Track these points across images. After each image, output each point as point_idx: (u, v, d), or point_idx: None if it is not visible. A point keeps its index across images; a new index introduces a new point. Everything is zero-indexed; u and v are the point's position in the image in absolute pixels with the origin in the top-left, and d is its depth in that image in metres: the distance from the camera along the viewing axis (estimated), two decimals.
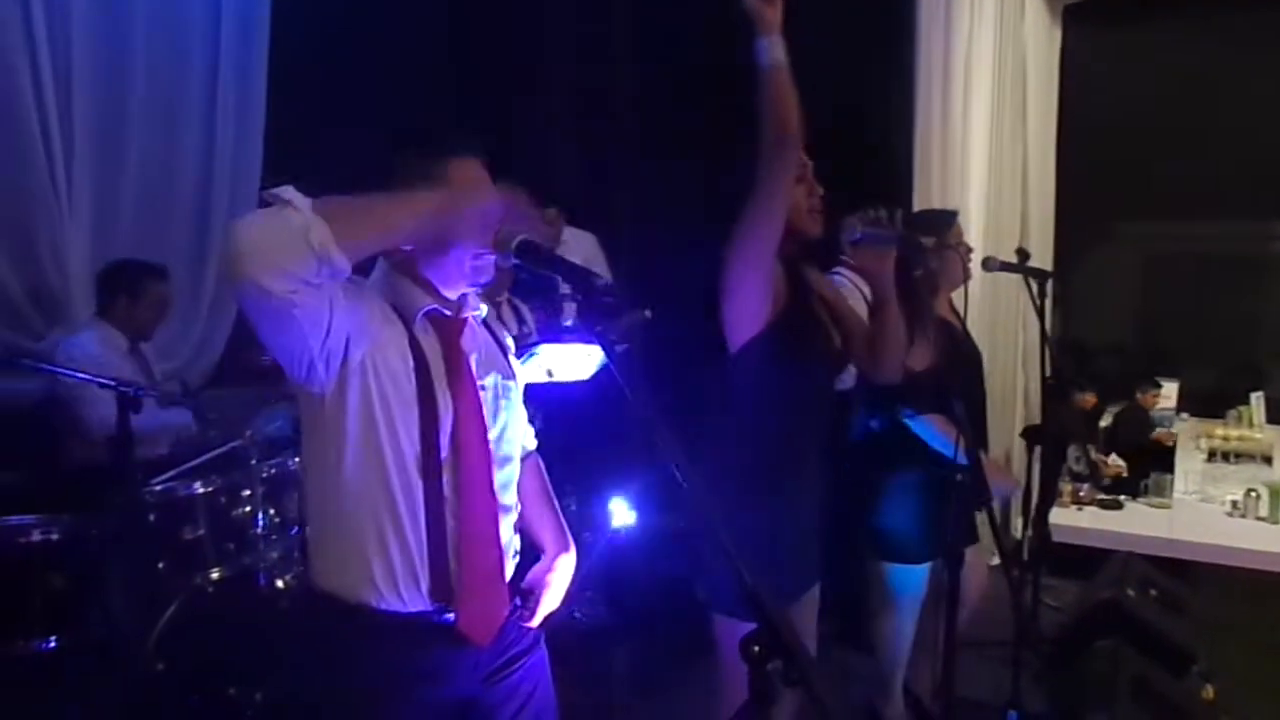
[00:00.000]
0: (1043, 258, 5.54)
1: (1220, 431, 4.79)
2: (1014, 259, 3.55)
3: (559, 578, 1.99)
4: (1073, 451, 4.50)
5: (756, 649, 1.28)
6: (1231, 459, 4.59)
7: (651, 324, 4.33)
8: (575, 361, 3.64)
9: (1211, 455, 4.65)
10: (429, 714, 1.71)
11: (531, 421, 3.80)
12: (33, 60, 3.55)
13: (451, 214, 1.61)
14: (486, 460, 1.74)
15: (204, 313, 4.38)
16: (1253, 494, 3.75)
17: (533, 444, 2.08)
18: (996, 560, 2.88)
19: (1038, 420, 5.11)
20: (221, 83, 4.29)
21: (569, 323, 3.11)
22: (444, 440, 1.66)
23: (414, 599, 1.65)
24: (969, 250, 3.22)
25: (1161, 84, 5.83)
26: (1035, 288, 3.40)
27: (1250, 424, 5.11)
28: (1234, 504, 3.81)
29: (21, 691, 2.77)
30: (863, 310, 2.55)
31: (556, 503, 2.08)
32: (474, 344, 1.81)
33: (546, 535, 2.04)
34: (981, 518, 2.81)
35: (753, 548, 1.69)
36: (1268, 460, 4.51)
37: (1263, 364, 5.85)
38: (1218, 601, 3.54)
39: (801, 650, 1.28)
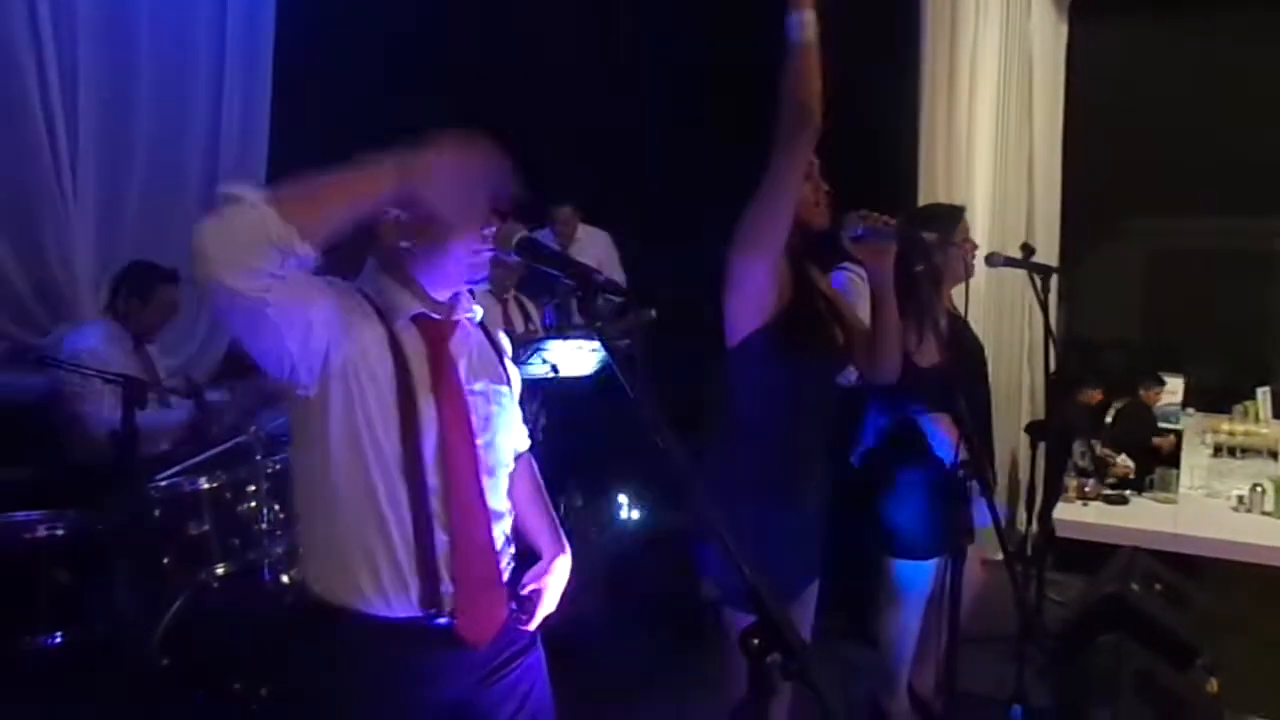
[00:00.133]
0: (1049, 253, 5.52)
1: (1226, 427, 4.77)
2: (1019, 255, 3.56)
3: (556, 580, 1.97)
4: (1078, 447, 4.49)
5: (755, 642, 1.28)
6: (1237, 454, 4.57)
7: (657, 319, 4.34)
8: (579, 357, 3.65)
9: (1217, 450, 4.64)
10: (424, 715, 1.70)
11: (535, 418, 3.82)
12: (38, 59, 3.56)
13: (417, 177, 1.54)
14: (475, 467, 1.71)
15: (208, 310, 4.39)
16: (1258, 489, 3.74)
17: (525, 444, 2.05)
18: (999, 556, 2.87)
19: (1043, 416, 5.10)
20: (227, 81, 4.30)
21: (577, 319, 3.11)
22: (428, 447, 1.64)
23: (402, 606, 1.64)
24: (974, 246, 3.21)
25: (1168, 80, 5.82)
26: (1039, 283, 3.40)
27: (1256, 419, 5.10)
28: (1239, 499, 3.80)
29: (27, 687, 2.78)
30: (869, 307, 2.54)
31: (549, 503, 2.06)
32: (465, 347, 1.77)
33: (541, 537, 2.01)
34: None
35: (753, 543, 1.70)
36: (1274, 455, 4.50)
37: (1269, 359, 5.83)
38: (1223, 596, 3.53)
39: (800, 643, 1.28)
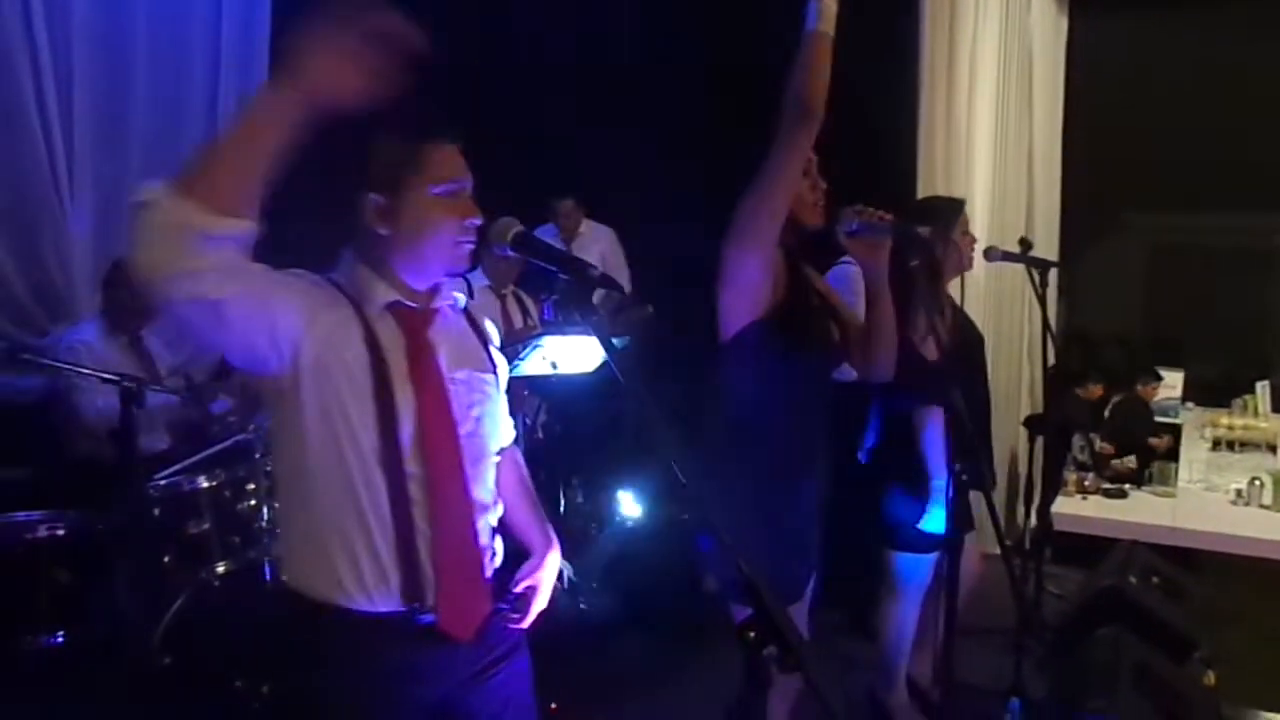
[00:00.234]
0: (1049, 248, 5.53)
1: (1225, 421, 4.77)
2: (1017, 249, 3.56)
3: (548, 576, 1.94)
4: (1077, 441, 4.50)
5: (752, 635, 1.29)
6: (1236, 448, 4.58)
7: (658, 315, 4.34)
8: (579, 353, 3.65)
9: (1216, 444, 4.64)
10: (407, 713, 1.68)
11: (536, 414, 3.82)
12: (33, 60, 3.57)
13: (301, 77, 1.42)
14: (457, 457, 1.68)
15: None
16: (1257, 482, 3.74)
17: (510, 437, 2.00)
18: (997, 549, 2.88)
19: (1042, 411, 5.11)
20: (222, 84, 4.30)
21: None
22: (405, 436, 1.61)
23: (384, 599, 1.61)
24: (973, 239, 3.22)
25: (1168, 74, 5.82)
26: (1037, 278, 3.40)
27: (1255, 413, 5.10)
28: (1238, 492, 3.80)
29: (28, 686, 2.79)
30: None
31: (536, 498, 2.03)
32: (446, 335, 1.74)
33: (530, 532, 1.98)
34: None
35: (749, 539, 1.70)
36: (1272, 449, 4.49)
37: (1269, 353, 5.83)
38: (1221, 589, 3.54)
39: (796, 636, 1.29)
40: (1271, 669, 3.33)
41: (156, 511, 2.97)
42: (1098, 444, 4.55)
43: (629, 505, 4.10)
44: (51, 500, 2.98)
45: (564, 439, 4.44)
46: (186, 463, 3.11)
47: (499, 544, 1.82)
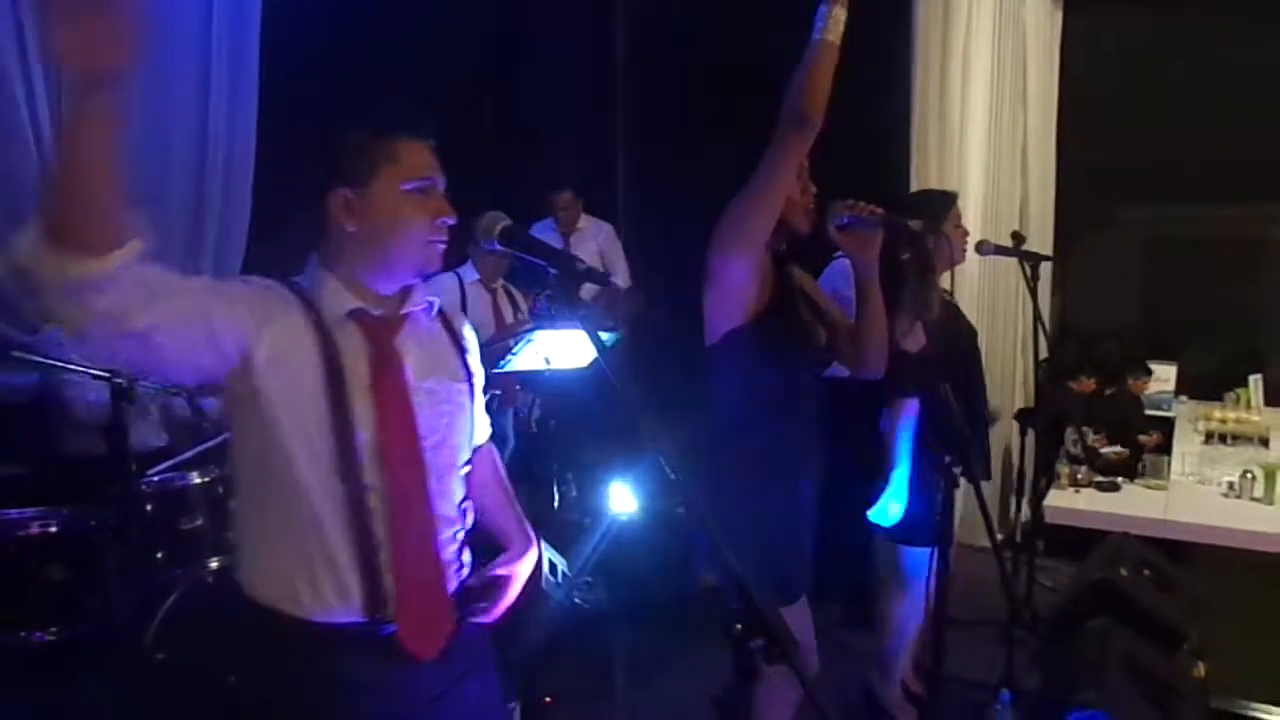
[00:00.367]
0: (1043, 242, 5.54)
1: (1218, 414, 4.78)
2: (1010, 243, 3.57)
3: (523, 570, 1.90)
4: (1070, 435, 4.51)
5: (740, 628, 1.30)
6: (1228, 441, 4.59)
7: (655, 314, 4.35)
8: (573, 348, 3.65)
9: (1209, 437, 4.65)
10: None
11: (530, 409, 3.80)
12: (21, 54, 3.54)
13: (69, 67, 1.21)
14: (419, 469, 1.63)
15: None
16: (1248, 475, 3.75)
17: (485, 435, 1.96)
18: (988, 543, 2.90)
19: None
20: (213, 76, 4.28)
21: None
22: (363, 448, 1.56)
23: (345, 611, 1.57)
24: (966, 232, 3.23)
25: (1163, 68, 5.82)
26: (1029, 271, 3.41)
27: (1248, 406, 5.11)
28: (1230, 485, 3.81)
29: (21, 682, 2.80)
30: None
31: (514, 496, 1.98)
32: (415, 343, 1.68)
33: (508, 531, 1.93)
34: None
35: (741, 540, 1.70)
36: (1264, 442, 4.51)
37: (1262, 348, 5.84)
38: (1213, 582, 3.55)
39: (783, 628, 1.30)
40: (1262, 661, 3.35)
41: (149, 508, 2.98)
42: (1090, 438, 4.56)
43: (623, 499, 4.09)
44: (44, 497, 2.97)
45: (558, 433, 4.44)
46: (179, 459, 3.11)
47: (467, 556, 1.77)
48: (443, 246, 1.65)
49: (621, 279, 5.48)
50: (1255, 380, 5.19)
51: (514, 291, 4.66)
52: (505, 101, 6.10)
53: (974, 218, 5.01)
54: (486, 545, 1.90)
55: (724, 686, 1.32)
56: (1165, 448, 4.55)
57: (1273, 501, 3.64)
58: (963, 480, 2.43)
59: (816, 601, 2.59)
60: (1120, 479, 3.99)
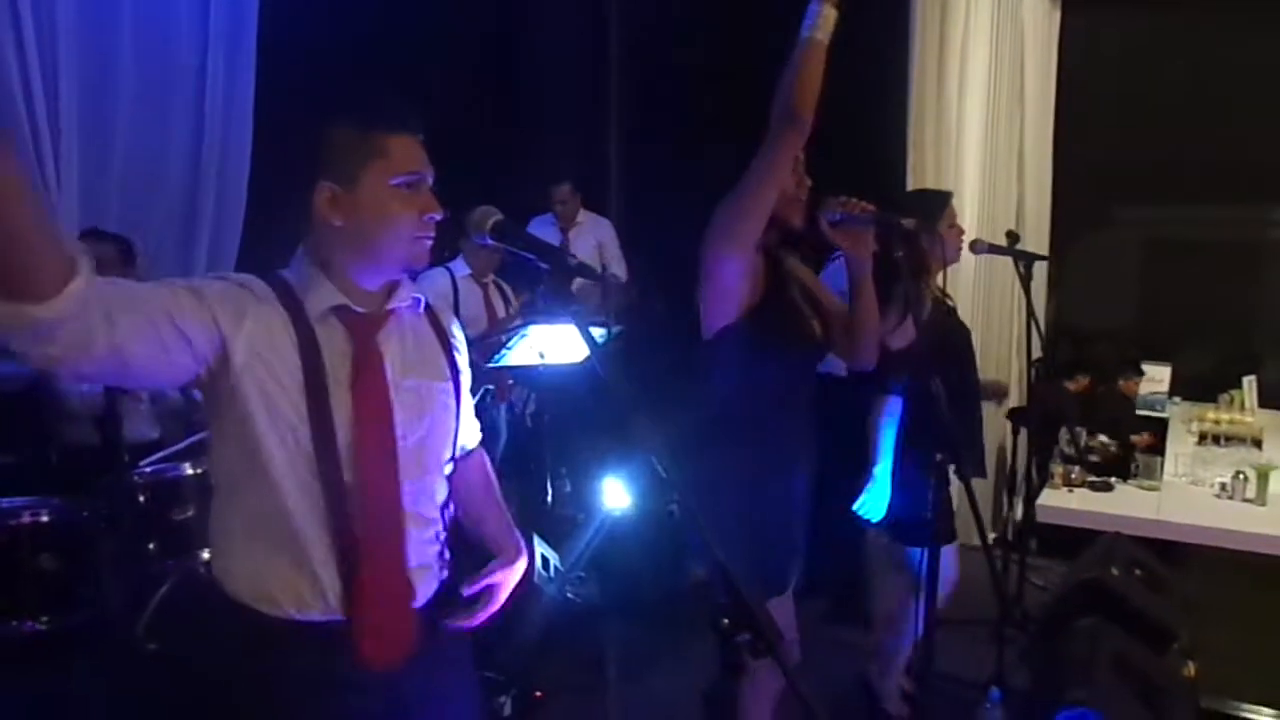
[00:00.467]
0: (1039, 241, 5.55)
1: (1212, 415, 4.78)
2: (1005, 242, 3.57)
3: (510, 580, 1.84)
4: (1064, 434, 4.51)
5: (726, 622, 1.30)
6: (1222, 442, 4.59)
7: (645, 309, 4.35)
8: (567, 343, 3.66)
9: (1202, 438, 4.65)
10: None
11: (524, 404, 3.77)
12: (19, 44, 3.54)
13: None
14: (392, 471, 1.60)
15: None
16: (1241, 476, 3.75)
17: (475, 439, 1.93)
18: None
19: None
20: (210, 60, 4.28)
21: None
22: (343, 445, 1.54)
23: (323, 610, 1.56)
24: (960, 231, 3.23)
25: (1161, 68, 5.82)
26: (1023, 270, 3.42)
27: (1242, 407, 5.11)
28: (1222, 486, 3.81)
29: (12, 671, 2.79)
30: None
31: (504, 504, 1.93)
32: (398, 340, 1.66)
33: (498, 539, 1.87)
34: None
35: (732, 533, 1.71)
36: (1257, 443, 4.51)
37: (1257, 349, 5.85)
38: (1205, 582, 3.55)
39: (769, 623, 1.30)
40: (1252, 662, 3.36)
41: (141, 498, 2.99)
42: (1084, 438, 4.56)
43: (616, 495, 4.10)
44: (37, 486, 2.97)
45: (552, 428, 4.45)
46: (171, 450, 3.11)
47: (446, 556, 1.74)
48: (430, 242, 1.63)
49: (619, 274, 5.48)
50: (1249, 382, 5.18)
51: (505, 286, 4.66)
52: (503, 96, 6.10)
53: (970, 217, 5.02)
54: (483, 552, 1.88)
55: (711, 680, 1.32)
56: (1159, 448, 4.55)
57: (1265, 503, 3.64)
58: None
59: (806, 596, 2.60)
60: (1113, 479, 3.99)
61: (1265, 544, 3.35)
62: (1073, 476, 3.99)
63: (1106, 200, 6.16)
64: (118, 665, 2.88)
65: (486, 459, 1.96)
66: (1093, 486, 3.93)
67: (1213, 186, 5.81)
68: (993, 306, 5.36)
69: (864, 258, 2.38)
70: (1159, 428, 5.17)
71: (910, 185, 4.90)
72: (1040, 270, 5.46)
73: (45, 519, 2.89)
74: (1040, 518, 3.75)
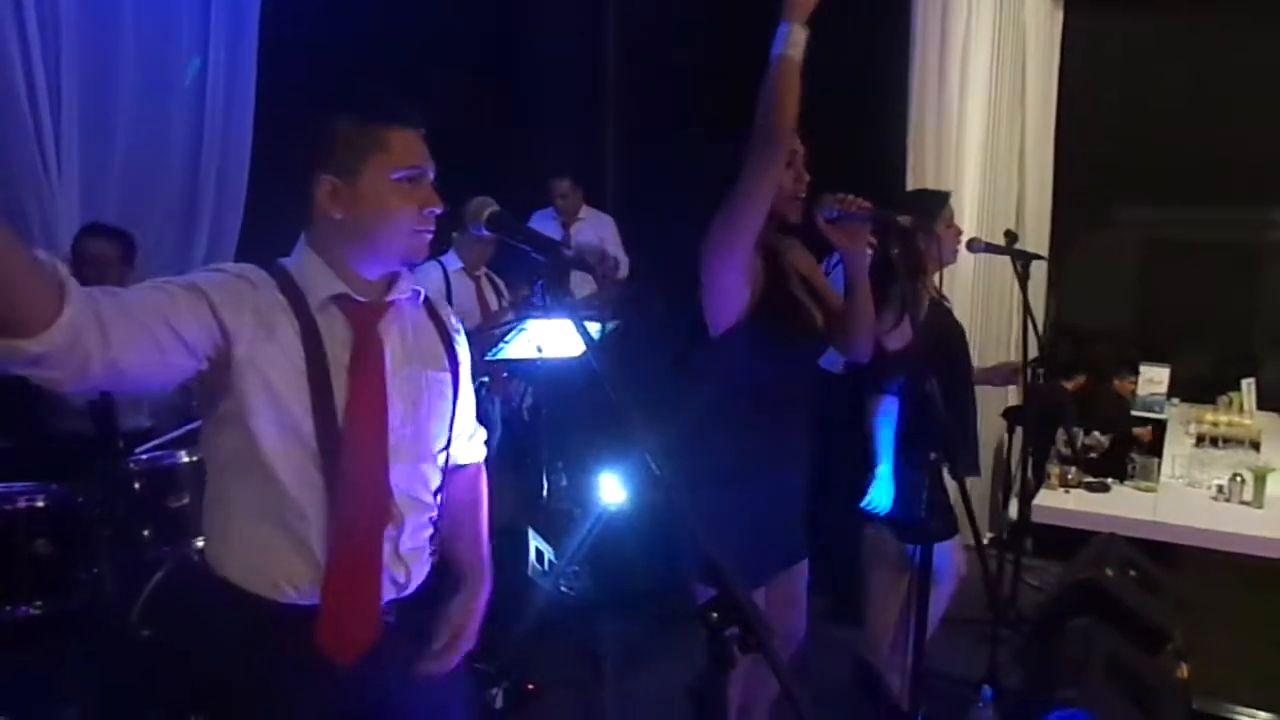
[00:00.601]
0: (1039, 241, 5.54)
1: (1210, 417, 4.78)
2: (1003, 242, 3.57)
3: (472, 616, 1.82)
4: (1061, 435, 4.50)
5: (714, 616, 1.30)
6: (1220, 444, 4.59)
7: (644, 305, 4.35)
8: (565, 337, 3.66)
9: (1200, 440, 4.65)
10: (339, 709, 1.64)
11: (521, 397, 3.73)
12: (21, 37, 3.54)
13: None
14: (380, 456, 1.61)
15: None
16: (1238, 478, 3.75)
17: (475, 455, 1.94)
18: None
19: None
20: (211, 52, 4.27)
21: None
22: (342, 435, 1.56)
23: (317, 595, 1.58)
24: (958, 232, 3.23)
25: (1163, 69, 5.81)
26: (1021, 269, 3.42)
27: (1240, 410, 5.11)
28: (1219, 488, 3.81)
29: (7, 656, 2.80)
30: None
31: (485, 525, 1.92)
32: (398, 330, 1.68)
33: (465, 562, 1.86)
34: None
35: (724, 527, 1.72)
36: (1255, 446, 4.51)
37: (1256, 351, 5.85)
38: (1201, 584, 3.56)
39: (758, 617, 1.30)
40: (1247, 664, 3.36)
41: (137, 485, 2.98)
42: (1080, 438, 4.56)
43: (612, 490, 4.10)
44: (32, 472, 2.97)
45: (549, 422, 4.45)
46: (167, 437, 3.12)
47: (411, 561, 1.72)
48: (429, 236, 1.64)
49: (621, 269, 5.48)
50: (1248, 384, 5.18)
51: (497, 280, 4.66)
52: (503, 93, 6.10)
53: (970, 216, 5.01)
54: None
55: (699, 674, 1.32)
56: (1156, 449, 4.54)
57: (1261, 505, 3.64)
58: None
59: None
60: (1110, 480, 3.99)
61: (1261, 546, 3.36)
62: (1069, 477, 3.98)
63: (1107, 201, 6.15)
64: (112, 651, 2.88)
65: (483, 480, 1.96)
66: (1089, 487, 3.94)
67: (1213, 188, 5.80)
68: (991, 306, 5.35)
69: (859, 254, 2.39)
70: (1157, 429, 5.17)
71: (910, 185, 4.89)
72: (1040, 270, 5.45)
73: (41, 504, 2.88)
74: (1036, 518, 3.75)
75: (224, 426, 1.55)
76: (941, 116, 5.02)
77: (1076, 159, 5.80)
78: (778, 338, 2.31)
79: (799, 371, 2.45)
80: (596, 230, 5.58)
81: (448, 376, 1.75)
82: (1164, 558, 3.53)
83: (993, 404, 5.03)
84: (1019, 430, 4.22)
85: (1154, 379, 5.47)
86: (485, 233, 1.59)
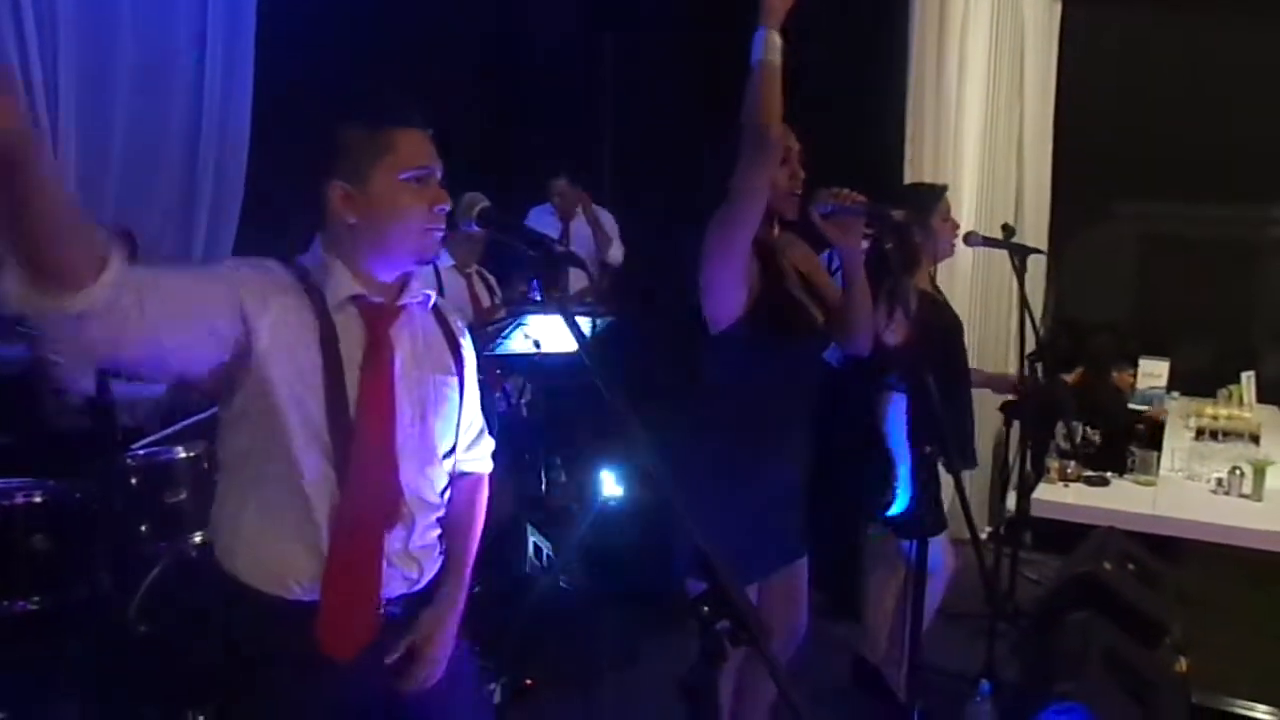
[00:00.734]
0: (1038, 235, 5.53)
1: (1209, 410, 4.77)
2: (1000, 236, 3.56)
3: (440, 633, 1.79)
4: (1060, 428, 4.49)
5: (706, 609, 1.30)
6: (1219, 437, 4.57)
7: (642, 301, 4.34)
8: (562, 332, 3.65)
9: (1199, 434, 4.64)
10: (355, 706, 1.67)
11: (519, 393, 3.70)
12: (17, 24, 3.54)
13: None
14: (390, 460, 1.65)
15: None
16: (1237, 472, 3.74)
17: (484, 466, 1.97)
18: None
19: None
20: (209, 48, 4.27)
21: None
22: (354, 432, 1.60)
23: (318, 591, 1.60)
24: (955, 225, 3.22)
25: (1162, 61, 5.80)
26: (1018, 263, 3.41)
27: (1240, 403, 5.10)
28: (1218, 482, 3.80)
29: (4, 651, 2.80)
30: None
31: (473, 541, 1.92)
32: (409, 334, 1.72)
33: (445, 573, 1.84)
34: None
35: (718, 521, 1.72)
36: (1255, 439, 4.50)
37: (1257, 345, 5.84)
38: (1201, 578, 3.55)
39: (750, 611, 1.30)
40: (1246, 657, 3.36)
41: (134, 481, 2.99)
42: (1079, 433, 4.55)
43: (610, 485, 4.10)
44: (30, 468, 2.98)
45: (547, 417, 4.45)
46: (164, 433, 3.12)
47: (415, 561, 1.74)
48: (440, 234, 1.67)
49: (615, 255, 5.50)
50: (1248, 377, 5.17)
51: (489, 277, 4.64)
52: (502, 89, 6.10)
53: (968, 210, 5.01)
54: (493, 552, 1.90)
55: (690, 668, 1.32)
56: (1155, 443, 4.54)
57: (1261, 498, 3.63)
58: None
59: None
60: (1109, 474, 3.98)
61: (1261, 539, 3.35)
62: (1069, 471, 3.98)
63: (1106, 195, 6.14)
64: (109, 646, 2.88)
65: (483, 494, 1.97)
66: (1088, 481, 3.93)
67: (1213, 182, 5.79)
68: (990, 300, 5.35)
69: (855, 248, 2.40)
70: (1155, 422, 5.16)
71: (908, 179, 4.89)
72: (1040, 264, 5.44)
73: (39, 500, 2.90)
74: (1036, 512, 3.74)
75: (241, 418, 1.58)
76: (939, 110, 5.01)
77: (1075, 152, 5.78)
78: (776, 336, 2.32)
79: (798, 369, 2.45)
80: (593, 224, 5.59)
81: (454, 381, 1.79)
82: (1163, 551, 3.52)
83: (991, 398, 5.01)
84: (1014, 423, 4.20)
85: (1154, 373, 5.46)
86: (476, 229, 1.62)
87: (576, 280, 4.72)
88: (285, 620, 1.60)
